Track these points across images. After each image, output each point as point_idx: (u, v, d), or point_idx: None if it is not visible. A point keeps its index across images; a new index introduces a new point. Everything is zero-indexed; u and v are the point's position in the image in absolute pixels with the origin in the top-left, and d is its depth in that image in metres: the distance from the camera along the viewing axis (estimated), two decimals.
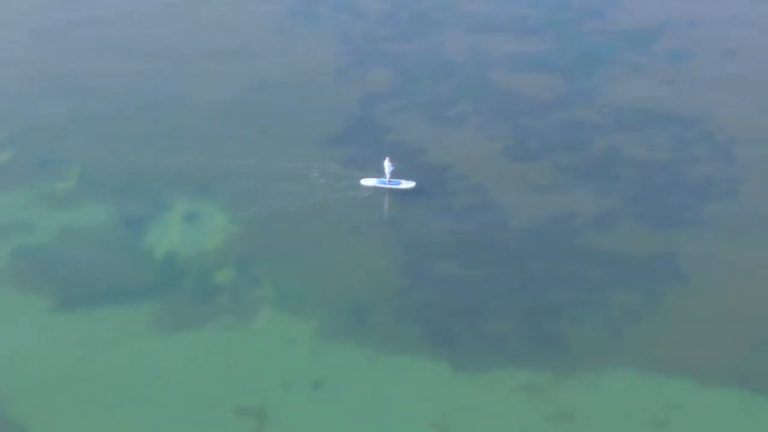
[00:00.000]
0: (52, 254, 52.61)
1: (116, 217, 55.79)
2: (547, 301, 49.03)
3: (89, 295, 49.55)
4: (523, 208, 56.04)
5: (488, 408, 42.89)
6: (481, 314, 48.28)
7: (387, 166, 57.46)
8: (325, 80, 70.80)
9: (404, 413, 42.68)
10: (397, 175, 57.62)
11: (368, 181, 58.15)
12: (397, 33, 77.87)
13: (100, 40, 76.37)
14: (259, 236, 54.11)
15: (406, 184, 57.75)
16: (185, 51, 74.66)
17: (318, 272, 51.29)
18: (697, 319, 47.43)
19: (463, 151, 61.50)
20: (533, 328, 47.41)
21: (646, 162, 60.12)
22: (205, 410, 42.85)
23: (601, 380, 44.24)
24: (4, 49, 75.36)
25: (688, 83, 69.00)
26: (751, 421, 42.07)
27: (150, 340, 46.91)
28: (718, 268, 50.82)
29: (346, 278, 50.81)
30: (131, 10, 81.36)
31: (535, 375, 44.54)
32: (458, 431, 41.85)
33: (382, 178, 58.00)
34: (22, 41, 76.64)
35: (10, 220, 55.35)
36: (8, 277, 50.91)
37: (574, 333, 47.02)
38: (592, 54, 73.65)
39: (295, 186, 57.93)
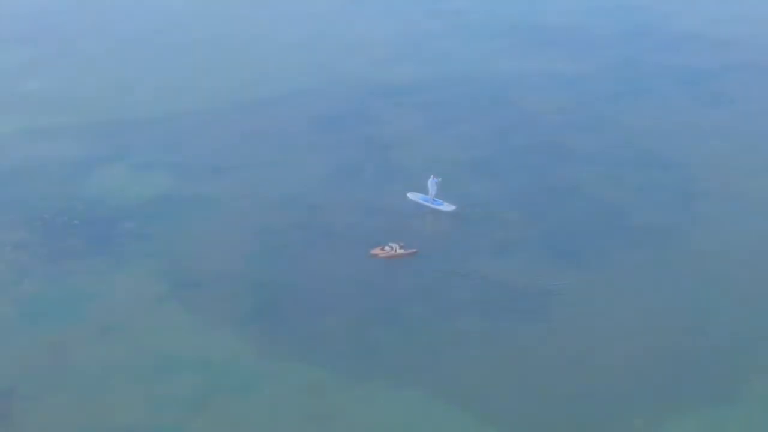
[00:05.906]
0: None
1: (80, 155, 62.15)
2: (387, 310, 47.94)
3: None
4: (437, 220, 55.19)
5: (260, 393, 42.22)
6: (321, 311, 47.76)
7: (431, 183, 55.88)
8: (332, 64, 76.41)
9: (172, 373, 43.23)
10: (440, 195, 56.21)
11: (414, 196, 56.72)
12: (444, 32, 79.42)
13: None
14: (184, 203, 57.62)
15: (447, 207, 55.70)
16: (226, 26, 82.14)
17: (194, 247, 53.24)
18: (518, 361, 44.51)
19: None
20: (361, 333, 46.28)
21: (596, 199, 57.21)
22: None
23: (387, 394, 42.34)
24: None
25: (712, 132, 64.91)
26: None
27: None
28: (582, 317, 47.10)
29: (210, 254, 52.33)
30: None
31: (329, 376, 43.39)
32: (213, 406, 41.76)
33: (427, 196, 56.22)
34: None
35: None
36: None
37: (397, 344, 45.49)
38: (632, 89, 70.78)
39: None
